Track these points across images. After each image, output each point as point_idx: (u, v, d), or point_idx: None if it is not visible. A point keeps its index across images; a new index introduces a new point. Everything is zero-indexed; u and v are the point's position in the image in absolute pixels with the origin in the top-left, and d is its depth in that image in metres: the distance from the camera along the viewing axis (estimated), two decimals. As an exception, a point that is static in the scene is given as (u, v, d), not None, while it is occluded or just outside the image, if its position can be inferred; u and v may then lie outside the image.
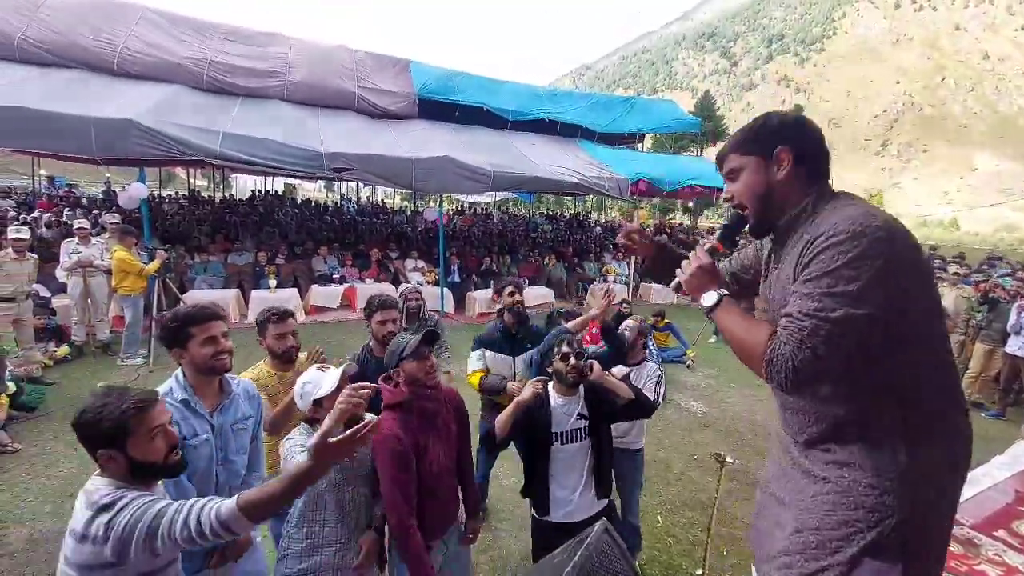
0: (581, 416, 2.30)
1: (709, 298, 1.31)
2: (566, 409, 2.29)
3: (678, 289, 1.41)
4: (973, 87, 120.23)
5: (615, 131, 13.96)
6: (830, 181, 1.32)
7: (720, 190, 11.96)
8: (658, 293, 11.85)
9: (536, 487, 2.29)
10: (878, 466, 1.15)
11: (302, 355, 2.58)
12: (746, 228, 1.39)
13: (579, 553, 1.40)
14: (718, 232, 1.45)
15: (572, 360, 2.24)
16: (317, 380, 1.86)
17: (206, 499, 1.29)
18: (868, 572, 1.15)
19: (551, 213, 26.32)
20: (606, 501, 2.35)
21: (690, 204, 24.83)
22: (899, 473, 1.14)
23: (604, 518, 1.58)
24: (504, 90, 12.53)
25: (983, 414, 6.20)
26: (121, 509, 1.22)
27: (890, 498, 1.14)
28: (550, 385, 2.36)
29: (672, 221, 33.08)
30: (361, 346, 3.00)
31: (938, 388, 1.18)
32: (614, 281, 11.73)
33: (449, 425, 2.06)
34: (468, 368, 3.19)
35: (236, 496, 1.26)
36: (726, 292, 1.31)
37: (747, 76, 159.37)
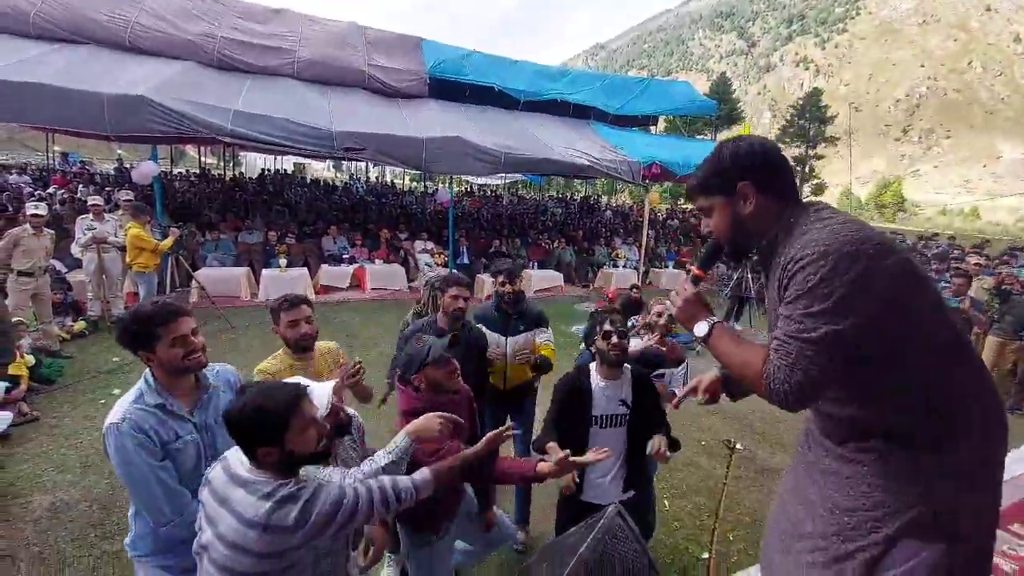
0: (623, 403, 2.27)
1: (700, 328, 1.34)
2: (608, 393, 2.27)
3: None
4: (1002, 71, 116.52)
5: (628, 113, 13.73)
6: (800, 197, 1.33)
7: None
8: (668, 279, 11.79)
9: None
10: (905, 460, 1.17)
11: (325, 345, 2.52)
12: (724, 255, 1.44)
13: (592, 535, 1.41)
14: (699, 259, 1.49)
15: (614, 339, 2.21)
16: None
17: (388, 477, 1.48)
18: (906, 551, 1.15)
19: (561, 196, 26.10)
20: (633, 493, 2.32)
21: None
22: (925, 469, 1.15)
23: (617, 503, 1.59)
24: (516, 70, 12.35)
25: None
26: (311, 498, 1.29)
27: (920, 488, 1.16)
28: (593, 367, 2.34)
29: (684, 206, 32.78)
30: (423, 323, 2.91)
31: (959, 384, 1.17)
32: (623, 266, 11.67)
33: (463, 424, 2.05)
34: None
35: (430, 467, 1.52)
36: (716, 320, 1.35)
37: (765, 57, 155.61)
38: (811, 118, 38.78)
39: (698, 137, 19.78)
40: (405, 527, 2.00)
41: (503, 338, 3.07)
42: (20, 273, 5.24)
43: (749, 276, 8.46)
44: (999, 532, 2.60)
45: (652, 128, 16.30)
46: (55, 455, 3.75)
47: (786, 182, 1.30)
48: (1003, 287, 6.53)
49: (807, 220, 1.22)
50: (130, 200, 6.93)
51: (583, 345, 2.58)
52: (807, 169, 38.06)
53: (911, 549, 1.15)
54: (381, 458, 1.62)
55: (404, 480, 1.45)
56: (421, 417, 1.70)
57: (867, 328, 1.09)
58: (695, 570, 3.07)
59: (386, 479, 1.43)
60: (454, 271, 3.05)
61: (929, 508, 1.14)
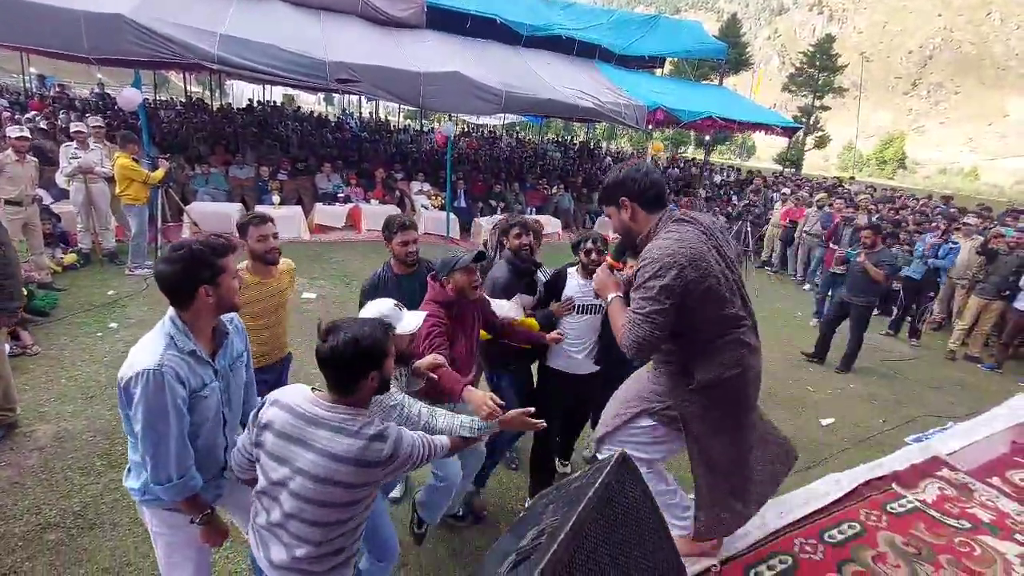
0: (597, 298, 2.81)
1: (607, 298, 2.08)
2: (585, 289, 2.83)
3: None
4: (1020, 24, 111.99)
5: (634, 53, 13.14)
6: (667, 207, 1.97)
7: (741, 124, 11.45)
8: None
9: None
10: (678, 378, 2.05)
11: (285, 262, 2.73)
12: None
13: (599, 480, 1.45)
14: (613, 251, 2.21)
15: (593, 255, 2.82)
16: (397, 315, 1.96)
17: (439, 437, 1.69)
18: (651, 419, 2.14)
19: (560, 140, 25.42)
20: (599, 368, 2.93)
21: (706, 137, 23.92)
22: (681, 384, 2.03)
23: (623, 451, 1.63)
24: (519, 0, 11.64)
25: (980, 367, 6.32)
26: (397, 438, 1.48)
27: (675, 393, 2.06)
28: (572, 270, 2.94)
29: (683, 155, 32.11)
30: (382, 264, 2.88)
31: (717, 336, 1.92)
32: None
33: (474, 325, 2.52)
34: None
35: (449, 438, 1.73)
36: (620, 295, 2.05)
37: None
38: (820, 67, 37.36)
39: (704, 82, 19.04)
40: None
41: (532, 299, 2.95)
42: (7, 202, 5.07)
43: (749, 228, 8.42)
44: (980, 485, 2.74)
45: (658, 71, 15.68)
46: (56, 386, 3.77)
47: (656, 198, 1.94)
48: (989, 247, 6.50)
49: (663, 229, 1.88)
50: (100, 126, 6.57)
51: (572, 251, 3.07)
52: (812, 120, 37.07)
53: (654, 421, 2.13)
54: (458, 428, 1.82)
55: (440, 441, 1.67)
56: (480, 396, 1.97)
57: (672, 309, 1.78)
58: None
59: (437, 439, 1.65)
60: (404, 215, 3.04)
61: (674, 406, 2.05)
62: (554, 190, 11.81)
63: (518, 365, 3.01)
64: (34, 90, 16.92)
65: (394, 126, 22.76)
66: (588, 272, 2.81)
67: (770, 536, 2.67)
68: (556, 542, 1.27)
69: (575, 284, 2.89)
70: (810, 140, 37.53)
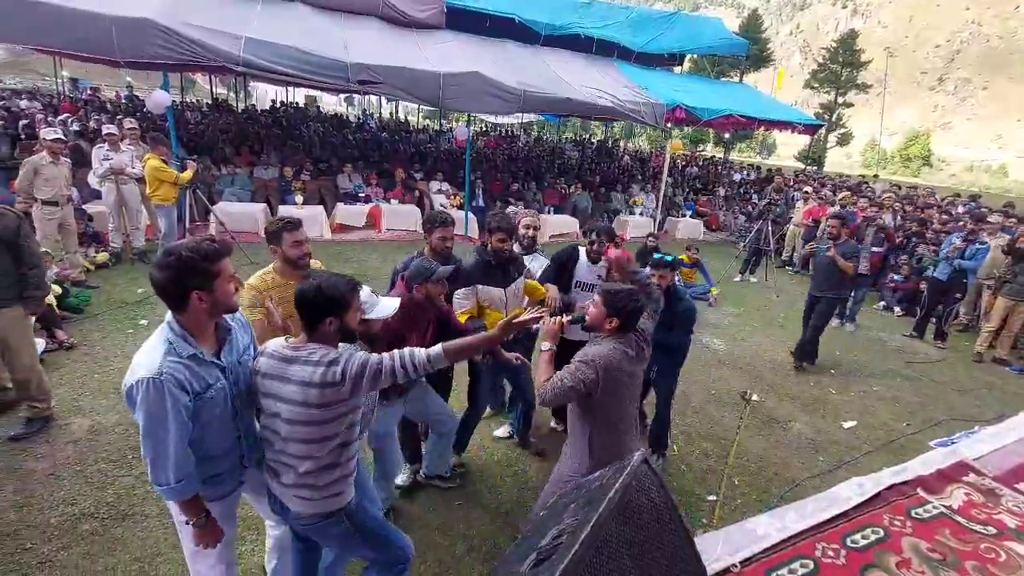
0: (599, 278, 3.29)
1: (547, 346, 2.31)
2: (592, 269, 3.34)
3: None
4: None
5: (654, 51, 13.00)
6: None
7: (762, 122, 11.24)
8: (685, 228, 11.61)
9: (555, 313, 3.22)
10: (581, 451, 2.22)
11: (315, 263, 2.78)
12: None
13: (619, 480, 1.47)
14: (572, 318, 2.40)
15: (595, 246, 3.31)
16: (374, 301, 2.10)
17: (408, 349, 1.76)
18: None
19: (578, 139, 25.33)
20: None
21: (725, 135, 23.63)
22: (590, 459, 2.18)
23: (643, 449, 1.64)
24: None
25: (1008, 370, 6.16)
26: (347, 360, 1.66)
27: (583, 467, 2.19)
28: (583, 251, 3.42)
29: (702, 153, 31.74)
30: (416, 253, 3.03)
31: (612, 429, 2.20)
32: (640, 213, 11.48)
33: (428, 327, 2.70)
34: (455, 307, 3.04)
35: (441, 344, 1.77)
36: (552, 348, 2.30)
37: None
38: (844, 63, 36.53)
39: (724, 79, 18.79)
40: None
41: (501, 290, 3.09)
42: (44, 203, 5.25)
43: (769, 228, 8.29)
44: (1007, 490, 2.69)
45: (677, 68, 15.50)
46: (90, 381, 3.91)
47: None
48: (1017, 246, 6.27)
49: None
50: (135, 128, 6.79)
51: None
52: (834, 118, 36.29)
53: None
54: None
55: (419, 353, 1.75)
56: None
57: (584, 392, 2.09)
58: (699, 509, 3.21)
59: (405, 351, 1.74)
60: (444, 211, 3.32)
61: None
62: (571, 189, 11.78)
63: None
64: (66, 93, 17.43)
65: (413, 126, 22.92)
66: (594, 259, 3.37)
67: (790, 539, 2.66)
68: (578, 542, 1.30)
69: (584, 264, 3.36)
70: (832, 137, 36.76)
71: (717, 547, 2.49)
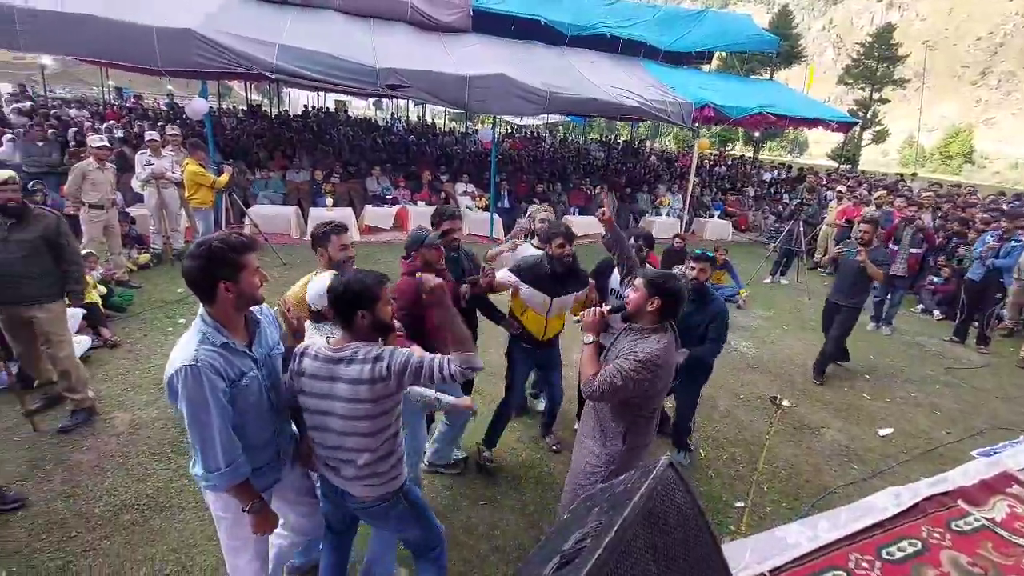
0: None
1: (589, 338, 2.27)
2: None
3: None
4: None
5: (681, 49, 12.84)
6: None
7: (793, 120, 10.95)
8: (712, 229, 11.42)
9: None
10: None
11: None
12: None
13: (645, 485, 1.46)
14: (612, 308, 2.38)
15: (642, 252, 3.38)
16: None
17: (445, 357, 1.79)
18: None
19: (603, 139, 25.15)
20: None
21: (755, 134, 23.08)
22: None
23: (669, 453, 1.63)
24: (562, 0, 11.60)
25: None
26: (390, 356, 1.74)
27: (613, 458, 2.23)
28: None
29: (731, 153, 31.11)
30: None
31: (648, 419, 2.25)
32: (667, 214, 11.34)
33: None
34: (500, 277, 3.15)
35: (446, 358, 1.79)
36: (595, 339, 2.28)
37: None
38: (880, 57, 35.24)
39: (753, 76, 18.36)
40: None
41: (548, 298, 3.07)
42: (91, 206, 5.51)
43: (801, 229, 8.07)
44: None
45: (705, 66, 15.26)
46: (131, 377, 4.08)
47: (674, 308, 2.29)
48: None
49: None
50: (177, 134, 7.06)
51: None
52: (869, 114, 35.04)
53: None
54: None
55: (454, 365, 1.80)
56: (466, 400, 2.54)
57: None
58: (726, 516, 3.17)
59: (444, 359, 1.80)
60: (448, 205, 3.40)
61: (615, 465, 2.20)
62: (597, 190, 11.73)
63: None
64: (112, 101, 18.21)
65: (440, 129, 23.14)
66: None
67: (821, 549, 2.59)
68: (601, 546, 1.30)
69: (615, 275, 3.26)
70: (868, 135, 35.52)
71: (745, 555, 2.45)
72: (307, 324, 2.18)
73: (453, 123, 28.02)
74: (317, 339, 1.91)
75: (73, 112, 14.17)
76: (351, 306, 1.76)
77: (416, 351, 1.85)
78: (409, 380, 1.76)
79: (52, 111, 12.85)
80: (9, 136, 8.21)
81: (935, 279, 7.87)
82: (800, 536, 2.53)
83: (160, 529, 2.69)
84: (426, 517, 2.07)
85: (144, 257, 6.50)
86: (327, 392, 1.76)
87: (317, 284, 2.09)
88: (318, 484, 2.13)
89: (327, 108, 23.41)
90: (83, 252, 4.52)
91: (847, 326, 5.03)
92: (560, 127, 28.36)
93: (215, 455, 1.66)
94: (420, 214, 9.26)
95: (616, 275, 3.26)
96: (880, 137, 36.57)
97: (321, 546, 2.22)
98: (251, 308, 1.83)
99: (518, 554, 2.71)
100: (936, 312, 7.63)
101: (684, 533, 1.48)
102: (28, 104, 13.17)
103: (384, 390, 1.74)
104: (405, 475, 1.98)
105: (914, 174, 22.49)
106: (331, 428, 1.79)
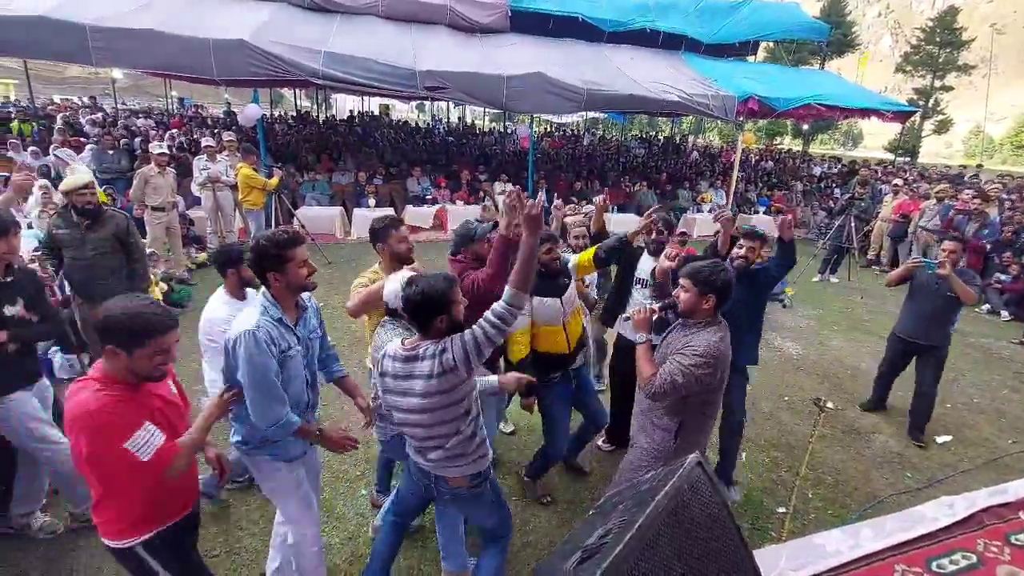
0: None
1: (642, 337, 2.27)
2: (650, 264, 3.10)
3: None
4: None
5: (724, 40, 12.44)
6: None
7: (845, 110, 10.39)
8: (757, 225, 11.03)
9: (615, 309, 3.52)
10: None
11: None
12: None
13: (670, 483, 1.46)
14: (662, 305, 2.31)
15: (654, 235, 3.31)
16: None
17: (483, 317, 1.85)
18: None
19: (644, 136, 24.70)
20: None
21: (804, 126, 22.13)
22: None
23: (698, 452, 1.62)
24: (601, -5, 11.45)
25: None
26: (451, 346, 1.83)
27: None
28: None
29: (779, 146, 29.90)
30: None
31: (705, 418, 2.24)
32: (708, 211, 11.05)
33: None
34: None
35: (508, 282, 1.88)
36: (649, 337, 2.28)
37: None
38: (942, 43, 32.90)
39: (803, 67, 17.56)
40: None
41: (557, 300, 2.84)
42: (153, 208, 5.91)
43: (852, 224, 7.69)
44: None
45: (750, 57, 14.75)
46: (187, 369, 4.34)
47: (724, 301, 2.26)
48: None
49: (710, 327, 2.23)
50: (233, 140, 7.45)
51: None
52: (930, 103, 32.82)
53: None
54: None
55: (494, 306, 1.85)
56: (512, 376, 2.36)
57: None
58: (767, 522, 3.09)
59: (481, 319, 1.84)
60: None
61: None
62: (637, 187, 11.55)
63: (562, 374, 2.96)
64: (175, 110, 19.36)
65: (480, 129, 23.36)
66: (651, 253, 3.33)
67: (864, 558, 2.49)
68: (622, 542, 1.31)
69: (645, 260, 3.32)
70: (928, 125, 33.32)
71: (780, 561, 2.39)
72: (379, 323, 2.28)
73: (493, 123, 28.20)
74: (395, 341, 2.01)
75: (140, 122, 15.15)
76: (431, 313, 1.85)
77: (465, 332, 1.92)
78: (476, 360, 1.84)
79: (121, 121, 13.77)
80: (90, 145, 8.88)
81: (1003, 277, 7.35)
82: (841, 544, 2.44)
83: (206, 510, 2.80)
84: (502, 501, 2.22)
85: (202, 256, 6.89)
86: (407, 389, 1.89)
87: (392, 283, 2.14)
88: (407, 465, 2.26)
89: (372, 112, 24.05)
90: (147, 251, 4.85)
91: (937, 375, 3.91)
92: (600, 124, 28.07)
93: (278, 406, 1.91)
94: (458, 213, 9.40)
95: (643, 262, 3.35)
96: (942, 127, 34.24)
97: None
98: (302, 295, 2.09)
99: (549, 550, 2.74)
100: (1004, 312, 7.12)
101: (711, 533, 1.46)
102: (100, 115, 14.16)
103: (456, 379, 1.85)
104: (490, 456, 2.09)
105: (979, 166, 21.01)
106: (418, 422, 1.92)
